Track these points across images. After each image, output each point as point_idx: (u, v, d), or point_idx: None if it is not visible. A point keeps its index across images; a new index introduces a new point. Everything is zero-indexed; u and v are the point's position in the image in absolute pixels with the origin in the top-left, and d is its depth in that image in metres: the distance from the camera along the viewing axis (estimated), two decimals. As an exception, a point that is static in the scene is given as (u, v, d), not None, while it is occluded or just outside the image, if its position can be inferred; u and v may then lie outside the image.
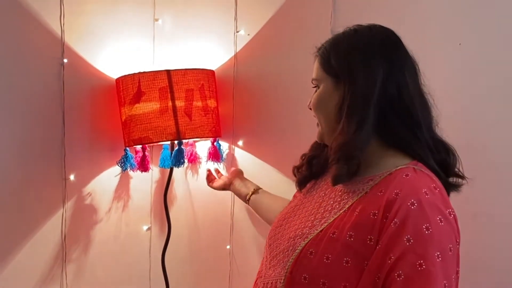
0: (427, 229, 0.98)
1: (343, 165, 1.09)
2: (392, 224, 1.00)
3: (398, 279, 0.97)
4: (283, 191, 1.74)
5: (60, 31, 1.83)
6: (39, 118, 1.84)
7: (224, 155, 2.02)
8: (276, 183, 1.99)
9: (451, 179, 1.17)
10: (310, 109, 1.22)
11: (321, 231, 1.10)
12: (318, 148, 1.29)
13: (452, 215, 1.04)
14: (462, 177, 1.19)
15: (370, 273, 1.02)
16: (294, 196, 1.37)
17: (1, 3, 1.75)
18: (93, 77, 1.91)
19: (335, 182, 1.11)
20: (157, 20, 2.00)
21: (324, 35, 1.24)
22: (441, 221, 1.00)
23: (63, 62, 1.85)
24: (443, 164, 1.15)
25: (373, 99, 1.08)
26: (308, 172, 1.29)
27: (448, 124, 1.79)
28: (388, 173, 1.09)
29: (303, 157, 1.33)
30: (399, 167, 1.09)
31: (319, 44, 1.24)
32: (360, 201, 1.09)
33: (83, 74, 1.89)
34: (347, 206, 1.10)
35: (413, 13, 1.85)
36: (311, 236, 1.10)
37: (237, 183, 1.82)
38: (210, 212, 2.10)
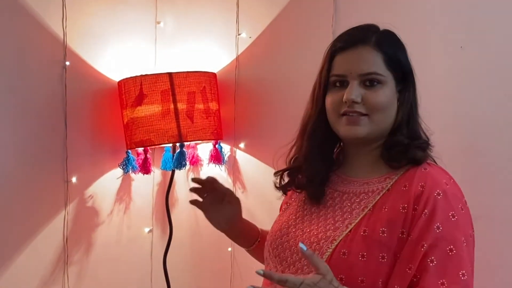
0: (453, 216, 1.06)
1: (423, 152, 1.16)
2: (422, 215, 1.06)
3: (431, 264, 1.03)
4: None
5: (62, 34, 1.84)
6: (41, 120, 1.84)
7: (225, 158, 2.02)
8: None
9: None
10: (357, 103, 1.12)
11: (350, 231, 1.11)
12: (313, 160, 1.24)
13: (467, 204, 1.13)
14: None
15: (401, 265, 1.06)
16: (287, 203, 1.34)
17: (3, 6, 1.76)
18: (95, 80, 1.91)
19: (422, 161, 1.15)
20: (159, 23, 2.01)
21: (326, 38, 1.24)
22: (462, 209, 1.09)
23: (65, 64, 1.85)
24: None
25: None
26: (291, 182, 1.29)
27: (450, 127, 1.79)
28: (404, 169, 1.14)
29: (293, 160, 1.29)
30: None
31: (322, 45, 1.21)
32: (386, 198, 1.12)
33: (85, 76, 1.89)
34: (371, 205, 1.13)
35: (414, 16, 1.85)
36: (340, 238, 1.11)
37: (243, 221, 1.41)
38: (211, 214, 2.10)
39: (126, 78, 1.85)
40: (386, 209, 1.10)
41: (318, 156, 1.23)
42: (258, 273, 0.98)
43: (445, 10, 1.83)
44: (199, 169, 2.08)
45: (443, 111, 1.81)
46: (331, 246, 1.11)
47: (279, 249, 1.21)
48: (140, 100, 1.81)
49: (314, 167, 1.23)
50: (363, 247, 1.08)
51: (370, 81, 1.13)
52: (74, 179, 1.89)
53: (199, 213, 2.09)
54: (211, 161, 2.00)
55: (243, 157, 2.06)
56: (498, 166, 1.79)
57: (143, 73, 1.84)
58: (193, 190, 1.31)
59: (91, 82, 1.91)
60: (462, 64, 1.80)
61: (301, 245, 1.01)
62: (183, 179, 2.08)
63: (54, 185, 1.87)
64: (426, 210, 1.06)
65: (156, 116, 1.81)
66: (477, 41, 1.79)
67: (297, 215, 1.25)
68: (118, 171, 1.95)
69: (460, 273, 1.03)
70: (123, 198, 2.00)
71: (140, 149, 1.94)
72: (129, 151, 1.90)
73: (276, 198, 1.57)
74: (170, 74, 1.83)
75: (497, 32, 1.77)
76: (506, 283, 1.80)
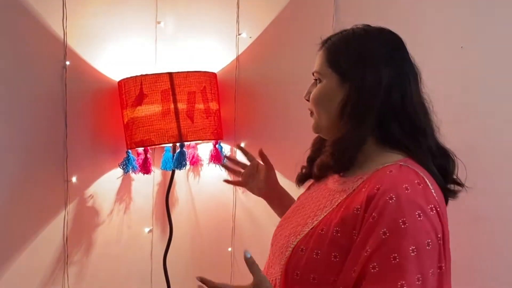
0: (403, 223, 1.00)
1: (334, 157, 1.14)
2: (370, 218, 1.03)
3: (372, 270, 1.00)
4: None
5: (63, 33, 1.84)
6: (41, 120, 1.84)
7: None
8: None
9: (449, 186, 1.19)
10: (307, 100, 1.24)
11: (311, 228, 1.14)
12: (319, 148, 1.31)
13: (435, 211, 1.05)
14: (460, 184, 1.21)
15: (347, 266, 1.05)
16: (298, 198, 1.40)
17: (3, 6, 1.76)
18: (96, 80, 1.91)
19: (321, 170, 1.17)
20: (159, 22, 2.01)
21: (327, 37, 1.24)
22: (419, 216, 1.02)
23: (66, 64, 1.85)
24: (442, 170, 1.17)
25: (376, 104, 1.12)
26: (308, 170, 1.33)
27: (450, 128, 1.78)
28: (375, 170, 1.12)
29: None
30: (386, 164, 1.11)
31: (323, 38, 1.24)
32: (347, 198, 1.12)
33: (86, 76, 1.89)
34: (336, 204, 1.14)
35: (414, 16, 1.85)
36: (303, 234, 1.14)
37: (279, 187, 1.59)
38: (211, 214, 2.10)
39: (126, 78, 1.85)
40: (343, 209, 1.10)
41: (317, 149, 1.31)
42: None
43: (445, 10, 1.83)
44: (199, 169, 2.08)
45: (444, 111, 1.80)
46: (294, 241, 1.14)
47: (273, 238, 1.27)
48: (140, 100, 1.81)
49: (308, 156, 1.33)
50: (318, 245, 1.09)
51: (316, 80, 1.21)
52: (74, 179, 1.89)
53: (200, 213, 2.11)
54: (211, 161, 2.00)
55: (243, 157, 2.06)
56: (498, 167, 1.79)
57: (143, 73, 1.83)
58: (230, 170, 1.63)
59: (91, 81, 1.91)
60: (463, 64, 1.80)
61: (245, 253, 1.11)
62: (183, 179, 2.08)
63: (54, 184, 1.87)
64: (374, 214, 1.03)
65: (156, 116, 1.81)
66: (478, 40, 1.79)
67: (295, 208, 1.29)
68: (118, 171, 1.94)
69: (399, 283, 0.98)
70: (123, 198, 2.00)
71: (140, 149, 1.94)
72: (129, 151, 1.90)
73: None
74: (170, 74, 1.83)
75: (498, 31, 1.77)
76: (506, 282, 1.80)
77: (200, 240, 2.10)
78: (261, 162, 1.58)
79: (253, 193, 1.61)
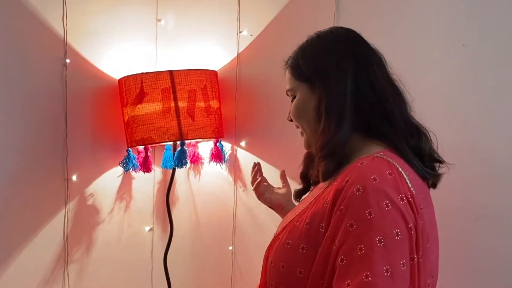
0: (370, 214, 0.99)
1: (330, 161, 1.13)
2: (338, 211, 1.03)
3: (341, 263, 1.00)
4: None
5: (63, 31, 1.83)
6: (41, 118, 1.84)
7: (226, 156, 2.02)
8: (278, 184, 1.98)
9: (429, 166, 1.18)
10: (291, 120, 1.25)
11: (291, 220, 1.17)
12: (310, 161, 1.32)
13: (406, 201, 1.03)
14: (440, 161, 1.20)
15: (320, 261, 1.05)
16: None
17: (3, 3, 1.75)
18: (96, 78, 1.91)
19: (324, 178, 1.14)
20: (159, 20, 2.00)
21: (328, 36, 1.24)
22: (387, 206, 1.00)
23: (66, 62, 1.84)
24: (417, 149, 1.16)
25: (347, 97, 1.12)
26: (305, 185, 1.35)
27: (452, 126, 1.79)
28: (351, 163, 1.11)
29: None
30: (361, 157, 1.11)
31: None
32: (323, 192, 1.13)
33: (86, 74, 1.89)
34: (313, 197, 1.15)
35: (416, 14, 1.84)
36: (283, 226, 1.19)
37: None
38: (212, 213, 2.10)
39: (127, 76, 1.84)
40: (315, 202, 1.12)
41: (308, 163, 1.34)
42: None
43: (446, 8, 1.82)
44: (200, 167, 2.08)
45: (445, 109, 1.80)
46: (277, 231, 1.20)
47: None
48: (140, 98, 1.80)
49: (301, 173, 1.36)
50: (290, 235, 1.12)
51: (292, 98, 1.22)
52: (74, 177, 1.88)
53: (200, 211, 2.11)
54: (212, 160, 2.00)
55: (244, 156, 2.06)
56: (500, 164, 1.78)
57: (144, 71, 1.83)
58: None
59: (92, 80, 1.90)
60: (465, 62, 1.80)
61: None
62: (183, 178, 2.08)
63: (54, 183, 1.86)
64: (342, 206, 1.02)
65: (157, 114, 1.80)
66: (479, 38, 1.78)
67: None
68: (118, 170, 1.94)
69: (364, 274, 0.95)
70: (124, 197, 2.00)
71: (141, 147, 1.93)
72: (130, 149, 1.89)
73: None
74: (171, 72, 1.82)
75: (499, 29, 1.77)
76: (508, 282, 1.79)
77: (201, 238, 2.09)
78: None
79: (268, 201, 1.58)
